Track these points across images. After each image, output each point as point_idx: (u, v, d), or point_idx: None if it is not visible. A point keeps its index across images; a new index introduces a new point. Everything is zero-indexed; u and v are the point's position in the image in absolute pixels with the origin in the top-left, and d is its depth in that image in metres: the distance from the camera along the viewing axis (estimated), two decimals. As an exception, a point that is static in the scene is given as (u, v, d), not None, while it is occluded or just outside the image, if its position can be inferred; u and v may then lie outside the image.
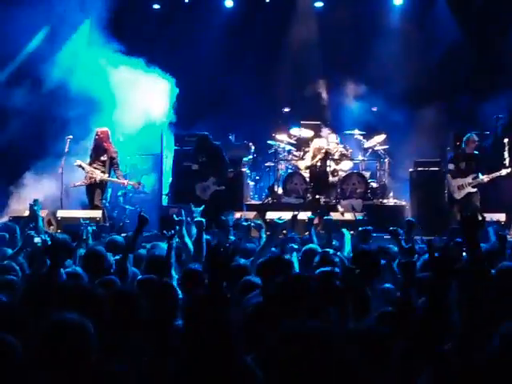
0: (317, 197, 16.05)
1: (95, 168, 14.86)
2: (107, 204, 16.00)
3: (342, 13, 18.44)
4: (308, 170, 16.46)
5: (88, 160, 15.02)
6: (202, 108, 17.75)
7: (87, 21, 17.24)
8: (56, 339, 3.72)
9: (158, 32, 18.42)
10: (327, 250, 7.41)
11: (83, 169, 14.83)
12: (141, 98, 16.76)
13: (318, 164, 16.42)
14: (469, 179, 14.76)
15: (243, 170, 16.62)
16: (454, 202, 15.12)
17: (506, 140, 15.31)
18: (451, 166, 15.12)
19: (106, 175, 14.88)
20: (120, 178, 15.07)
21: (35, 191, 15.06)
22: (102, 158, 14.93)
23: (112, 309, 4.63)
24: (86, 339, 3.76)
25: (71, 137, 15.37)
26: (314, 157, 16.58)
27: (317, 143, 16.72)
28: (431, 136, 16.90)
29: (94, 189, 14.85)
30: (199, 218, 8.38)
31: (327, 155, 16.44)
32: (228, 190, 15.47)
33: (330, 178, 16.40)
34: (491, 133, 16.15)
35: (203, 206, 9.38)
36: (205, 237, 8.06)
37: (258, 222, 9.80)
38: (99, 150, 14.96)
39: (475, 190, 14.78)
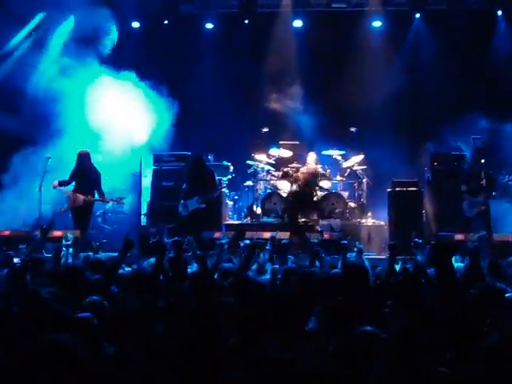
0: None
1: (79, 190, 14.81)
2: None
3: (321, 33, 18.56)
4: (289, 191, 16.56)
5: (67, 180, 14.97)
6: (180, 128, 17.74)
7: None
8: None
9: (137, 51, 18.43)
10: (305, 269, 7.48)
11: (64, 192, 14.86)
12: (120, 119, 16.78)
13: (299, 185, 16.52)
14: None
15: (222, 189, 16.63)
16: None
17: (482, 160, 15.42)
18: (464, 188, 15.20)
19: (90, 196, 14.83)
20: (103, 198, 15.03)
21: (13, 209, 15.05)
22: (86, 180, 14.88)
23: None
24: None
25: (50, 157, 15.30)
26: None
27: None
28: (409, 156, 17.00)
29: (79, 212, 14.81)
30: (177, 238, 8.35)
31: (313, 177, 16.57)
32: (208, 209, 15.46)
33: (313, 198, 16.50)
34: (468, 154, 16.25)
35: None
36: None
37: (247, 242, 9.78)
38: (82, 171, 14.91)
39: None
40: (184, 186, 15.58)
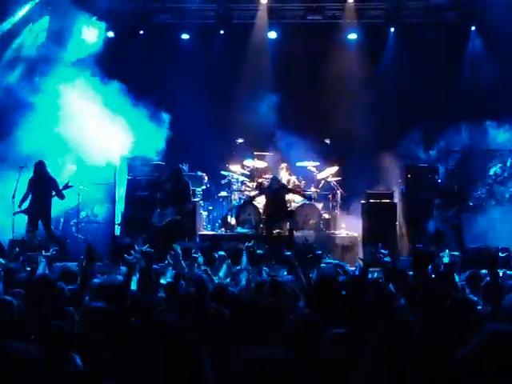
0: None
1: (37, 197, 14.81)
2: (58, 233, 15.92)
3: (295, 45, 18.67)
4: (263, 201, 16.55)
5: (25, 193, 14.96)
6: (154, 137, 17.69)
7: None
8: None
9: (113, 61, 18.37)
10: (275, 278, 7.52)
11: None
12: (94, 128, 16.74)
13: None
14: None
15: (196, 200, 16.62)
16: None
17: (455, 171, 15.58)
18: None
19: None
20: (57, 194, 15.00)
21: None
22: (43, 187, 14.88)
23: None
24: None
25: (23, 166, 15.23)
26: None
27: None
28: (383, 168, 17.09)
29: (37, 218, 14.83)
30: (148, 249, 8.28)
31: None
32: (183, 220, 15.43)
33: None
34: (443, 167, 16.38)
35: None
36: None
37: (222, 253, 9.78)
38: (39, 180, 14.89)
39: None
40: (159, 195, 15.55)
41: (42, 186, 14.88)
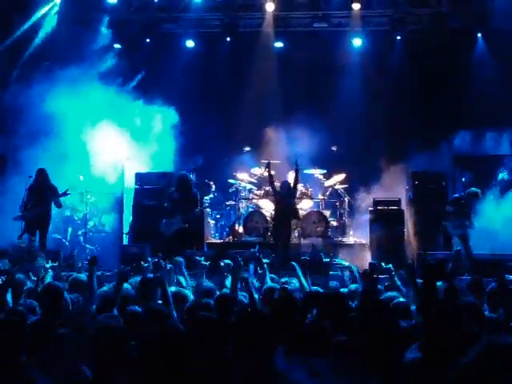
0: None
1: (37, 204, 14.86)
2: (66, 243, 15.96)
3: (301, 53, 18.69)
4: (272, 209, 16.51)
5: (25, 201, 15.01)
6: (161, 146, 17.73)
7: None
8: None
9: (117, 71, 18.44)
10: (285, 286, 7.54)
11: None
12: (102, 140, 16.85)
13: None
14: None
15: (206, 208, 16.61)
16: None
17: (463, 179, 15.55)
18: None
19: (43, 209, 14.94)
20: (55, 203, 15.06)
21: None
22: (45, 196, 14.93)
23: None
24: None
25: (31, 176, 15.29)
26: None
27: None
28: (390, 175, 17.09)
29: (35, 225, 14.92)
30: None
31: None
32: (191, 228, 15.41)
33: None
34: (448, 172, 16.36)
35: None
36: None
37: (228, 261, 9.77)
38: (41, 188, 14.94)
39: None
40: (166, 204, 15.53)
41: (42, 194, 14.92)
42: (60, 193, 14.88)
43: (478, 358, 3.30)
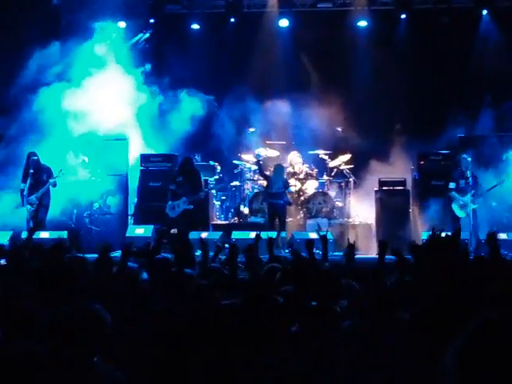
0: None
1: (34, 189, 14.91)
2: (73, 225, 15.98)
3: (306, 32, 18.57)
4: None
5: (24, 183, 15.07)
6: (167, 127, 17.69)
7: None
8: None
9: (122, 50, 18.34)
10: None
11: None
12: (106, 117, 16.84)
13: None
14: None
15: (211, 190, 16.61)
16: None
17: (469, 159, 15.44)
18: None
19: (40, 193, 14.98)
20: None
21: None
22: (41, 179, 15.00)
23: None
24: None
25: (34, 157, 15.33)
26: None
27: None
28: (396, 155, 17.05)
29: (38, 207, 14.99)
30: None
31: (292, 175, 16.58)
32: (196, 210, 15.42)
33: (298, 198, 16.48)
34: (454, 152, 16.28)
35: None
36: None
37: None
38: (38, 171, 14.99)
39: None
40: (172, 186, 15.52)
41: (38, 177, 15.00)
42: (54, 174, 15.00)
43: (475, 335, 3.32)
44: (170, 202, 15.32)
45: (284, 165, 16.40)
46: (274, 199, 15.48)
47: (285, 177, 15.95)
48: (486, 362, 3.04)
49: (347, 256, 7.64)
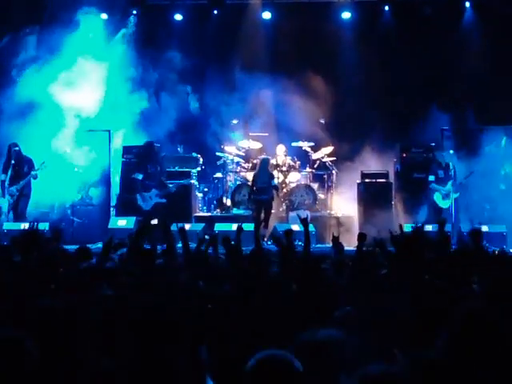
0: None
1: (15, 180, 14.89)
2: (54, 216, 15.94)
3: (289, 24, 18.54)
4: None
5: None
6: (149, 119, 17.65)
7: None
8: None
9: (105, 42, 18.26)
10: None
11: None
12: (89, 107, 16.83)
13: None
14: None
15: (192, 181, 16.58)
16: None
17: (451, 151, 15.55)
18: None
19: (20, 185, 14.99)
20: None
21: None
22: (22, 170, 15.00)
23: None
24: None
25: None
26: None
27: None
28: (378, 147, 17.08)
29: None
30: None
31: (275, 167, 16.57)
32: (170, 204, 15.38)
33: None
34: (436, 145, 16.37)
35: None
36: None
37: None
38: (20, 162, 14.97)
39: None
40: (138, 176, 15.47)
41: (19, 168, 14.98)
42: (36, 166, 14.98)
43: (462, 322, 3.48)
44: (141, 194, 15.28)
45: (269, 157, 16.39)
46: (259, 195, 15.48)
47: (269, 170, 15.95)
48: (473, 346, 3.25)
49: (336, 248, 7.70)
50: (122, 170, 16.68)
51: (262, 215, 15.35)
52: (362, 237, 7.77)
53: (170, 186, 15.43)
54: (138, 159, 16.01)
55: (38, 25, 17.08)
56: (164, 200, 15.23)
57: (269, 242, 13.71)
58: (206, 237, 9.30)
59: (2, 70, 16.79)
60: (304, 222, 8.08)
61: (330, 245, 9.58)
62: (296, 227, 13.02)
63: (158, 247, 7.43)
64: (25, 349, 3.59)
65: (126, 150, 16.74)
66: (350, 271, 6.47)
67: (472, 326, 3.48)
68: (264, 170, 15.63)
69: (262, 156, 16.24)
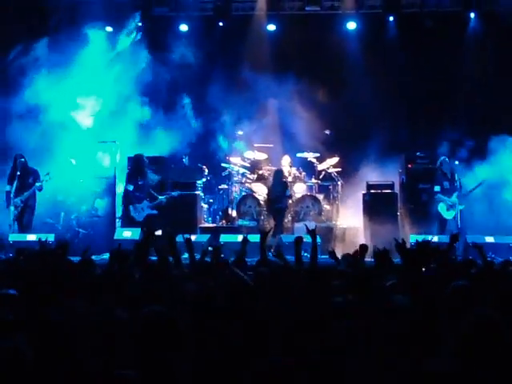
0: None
1: (21, 191, 14.88)
2: (59, 227, 15.93)
3: (294, 35, 18.57)
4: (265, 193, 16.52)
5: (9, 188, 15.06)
6: (155, 130, 17.66)
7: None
8: None
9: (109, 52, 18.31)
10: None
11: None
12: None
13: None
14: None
15: (197, 192, 16.58)
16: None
17: (456, 162, 15.57)
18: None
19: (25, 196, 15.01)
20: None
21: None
22: (27, 181, 15.01)
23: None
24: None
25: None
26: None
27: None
28: (383, 158, 17.05)
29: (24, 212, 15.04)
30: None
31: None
32: (161, 216, 15.36)
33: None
34: (442, 156, 16.34)
35: None
36: None
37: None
38: (25, 173, 14.98)
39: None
40: (129, 187, 15.48)
41: (24, 179, 14.99)
42: (41, 177, 15.00)
43: (475, 326, 3.59)
44: (134, 205, 15.30)
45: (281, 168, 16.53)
46: (274, 204, 15.71)
47: (283, 180, 16.07)
48: (483, 347, 3.34)
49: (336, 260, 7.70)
50: (126, 180, 16.64)
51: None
52: (363, 248, 7.77)
53: (160, 197, 15.44)
54: (128, 171, 16.06)
55: (47, 36, 17.14)
56: (155, 211, 15.26)
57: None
58: (210, 248, 9.30)
59: (10, 81, 16.80)
60: (312, 233, 8.05)
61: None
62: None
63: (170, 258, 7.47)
64: (19, 352, 3.59)
65: (130, 160, 16.71)
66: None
67: (483, 332, 3.57)
68: (278, 181, 15.85)
69: (275, 168, 16.38)
